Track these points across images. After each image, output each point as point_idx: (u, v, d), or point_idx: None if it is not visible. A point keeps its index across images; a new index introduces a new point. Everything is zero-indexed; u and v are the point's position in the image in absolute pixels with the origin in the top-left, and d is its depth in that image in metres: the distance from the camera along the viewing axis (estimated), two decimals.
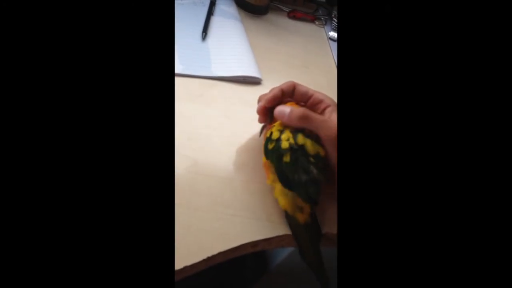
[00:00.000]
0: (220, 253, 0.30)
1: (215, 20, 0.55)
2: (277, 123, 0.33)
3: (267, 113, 0.36)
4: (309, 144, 0.30)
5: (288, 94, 0.35)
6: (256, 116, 0.42)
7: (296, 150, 0.30)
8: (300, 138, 0.31)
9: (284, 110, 0.32)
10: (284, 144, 0.30)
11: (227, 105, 0.43)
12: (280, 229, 0.33)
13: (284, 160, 0.30)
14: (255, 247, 0.33)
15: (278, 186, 0.32)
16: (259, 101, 0.36)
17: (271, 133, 0.32)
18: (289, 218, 0.32)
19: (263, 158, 0.34)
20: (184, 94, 0.42)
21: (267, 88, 0.47)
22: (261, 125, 0.38)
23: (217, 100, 0.43)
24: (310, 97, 0.35)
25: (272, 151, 0.31)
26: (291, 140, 0.30)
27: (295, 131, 0.31)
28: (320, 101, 0.34)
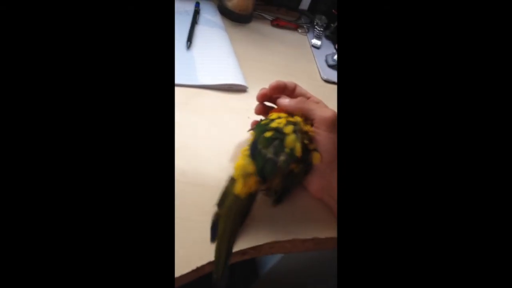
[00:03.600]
0: (209, 263, 0.30)
1: (199, 29, 0.55)
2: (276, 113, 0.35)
3: (264, 105, 0.39)
4: (291, 138, 0.31)
5: (289, 90, 0.38)
6: (243, 124, 0.43)
7: (279, 133, 0.31)
8: (288, 128, 0.32)
9: (285, 98, 0.37)
10: (274, 124, 0.32)
11: (213, 113, 0.43)
12: (269, 237, 0.33)
13: (265, 134, 0.32)
14: (244, 255, 0.33)
15: (246, 153, 0.32)
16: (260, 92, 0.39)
17: (271, 114, 0.34)
18: (230, 181, 0.32)
19: (251, 133, 0.35)
20: None
21: (252, 96, 0.48)
22: (251, 121, 0.40)
23: (203, 109, 0.43)
24: (308, 98, 0.38)
25: (261, 125, 0.33)
26: (281, 126, 0.32)
27: (288, 122, 0.33)
28: (317, 102, 0.37)
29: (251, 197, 0.32)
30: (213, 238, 0.31)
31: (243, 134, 0.42)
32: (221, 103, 0.45)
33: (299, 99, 0.36)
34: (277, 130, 0.32)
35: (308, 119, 0.35)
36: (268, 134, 0.32)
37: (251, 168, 0.31)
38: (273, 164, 0.30)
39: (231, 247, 0.30)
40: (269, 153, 0.30)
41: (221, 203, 0.32)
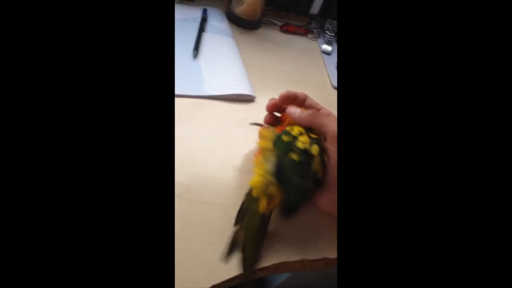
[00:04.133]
0: (214, 286, 0.29)
1: (206, 37, 0.54)
2: (296, 126, 0.33)
3: (273, 115, 0.38)
4: (317, 161, 0.30)
5: (299, 101, 0.37)
6: (251, 135, 0.41)
7: (307, 156, 0.30)
8: (314, 149, 0.31)
9: (296, 109, 0.35)
10: (300, 144, 0.30)
11: (220, 125, 0.42)
12: (277, 257, 0.32)
13: (292, 156, 0.30)
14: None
15: (263, 167, 0.31)
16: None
17: (292, 129, 0.33)
18: (250, 200, 0.31)
19: (261, 142, 0.34)
20: (176, 115, 0.41)
21: (260, 105, 0.47)
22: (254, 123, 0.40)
23: (210, 120, 0.42)
24: (318, 110, 0.37)
25: (285, 143, 0.31)
26: (307, 146, 0.30)
27: (313, 140, 0.31)
28: (328, 115, 0.36)
29: (271, 213, 0.32)
30: (227, 256, 0.30)
31: (252, 147, 0.41)
32: (228, 114, 0.44)
33: (311, 112, 0.34)
34: (305, 152, 0.30)
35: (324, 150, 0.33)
36: (295, 157, 0.30)
37: (275, 190, 0.30)
38: (301, 191, 0.30)
39: (256, 265, 0.31)
40: (298, 180, 0.29)
41: (239, 221, 0.31)
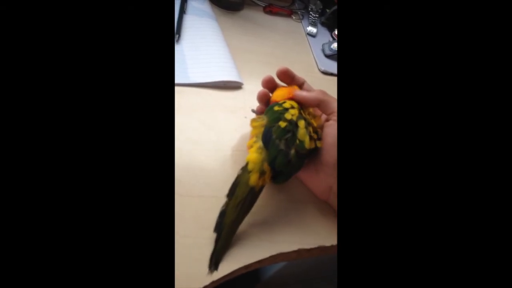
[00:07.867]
0: (212, 282, 0.28)
1: (187, 19, 0.51)
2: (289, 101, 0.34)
3: (268, 94, 0.37)
4: (302, 132, 0.31)
5: (296, 84, 0.38)
6: (240, 124, 0.40)
7: (293, 126, 0.31)
8: (302, 122, 0.32)
9: (302, 91, 0.35)
10: (288, 115, 0.32)
11: (207, 114, 0.40)
12: (273, 248, 0.31)
13: (279, 123, 0.31)
14: (248, 268, 0.31)
15: (257, 145, 0.31)
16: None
17: (284, 102, 0.34)
18: (244, 172, 0.31)
19: (252, 122, 0.33)
20: None
21: (248, 92, 0.45)
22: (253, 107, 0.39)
23: (196, 110, 0.40)
24: None
25: (275, 111, 0.33)
26: (294, 118, 0.32)
27: (300, 116, 0.33)
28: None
29: (262, 189, 0.31)
30: (218, 228, 0.30)
31: (241, 135, 0.39)
32: (215, 102, 0.42)
33: (318, 91, 0.35)
34: (291, 122, 0.31)
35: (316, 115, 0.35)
36: (283, 124, 0.31)
37: (267, 167, 0.30)
38: (284, 157, 0.30)
39: (233, 235, 0.30)
40: (282, 144, 0.30)
41: (231, 193, 0.31)
